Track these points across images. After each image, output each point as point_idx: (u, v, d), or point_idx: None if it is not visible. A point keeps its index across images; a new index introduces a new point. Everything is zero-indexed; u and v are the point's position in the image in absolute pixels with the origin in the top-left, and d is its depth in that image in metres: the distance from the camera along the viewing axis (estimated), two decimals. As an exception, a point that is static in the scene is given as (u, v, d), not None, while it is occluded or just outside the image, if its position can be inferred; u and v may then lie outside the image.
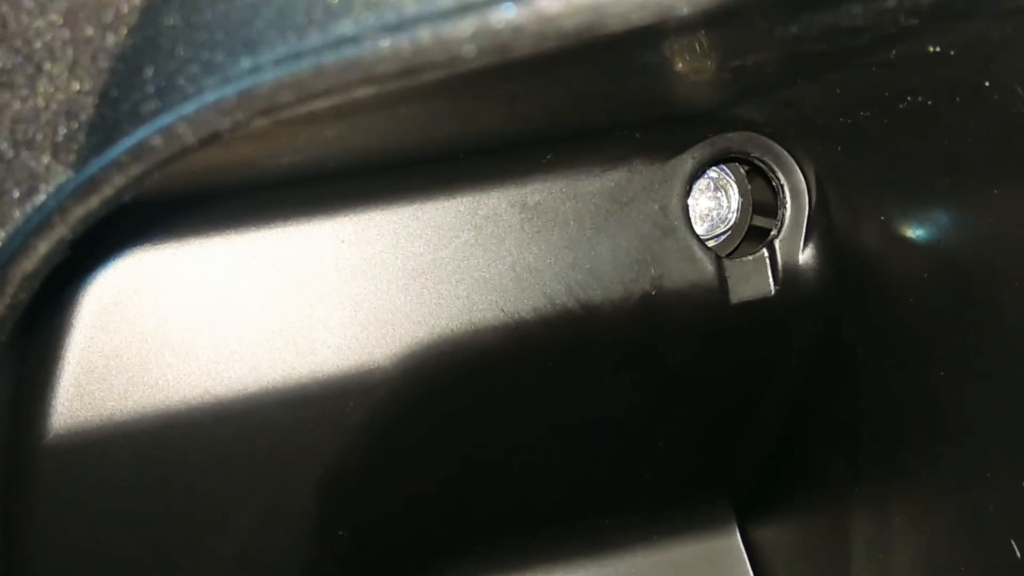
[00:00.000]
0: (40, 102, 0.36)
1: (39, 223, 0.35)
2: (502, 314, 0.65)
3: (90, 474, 0.61)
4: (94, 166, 0.34)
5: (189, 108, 0.33)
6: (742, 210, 0.71)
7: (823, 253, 0.67)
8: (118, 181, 0.34)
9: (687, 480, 0.79)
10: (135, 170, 0.34)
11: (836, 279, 0.66)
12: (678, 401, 0.73)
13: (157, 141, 0.33)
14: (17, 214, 0.37)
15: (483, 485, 0.73)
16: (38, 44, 0.35)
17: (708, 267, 0.67)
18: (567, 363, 0.68)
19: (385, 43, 0.31)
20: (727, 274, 0.67)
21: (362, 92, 0.32)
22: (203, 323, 0.62)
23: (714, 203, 0.72)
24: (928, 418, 0.62)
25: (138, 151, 0.33)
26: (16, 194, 0.37)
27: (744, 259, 0.68)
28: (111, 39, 0.35)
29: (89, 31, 0.35)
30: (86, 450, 0.59)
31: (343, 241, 0.63)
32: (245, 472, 0.64)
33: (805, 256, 0.67)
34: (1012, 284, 0.53)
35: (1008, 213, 0.53)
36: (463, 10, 0.30)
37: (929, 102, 0.54)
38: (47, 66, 0.36)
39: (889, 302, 0.63)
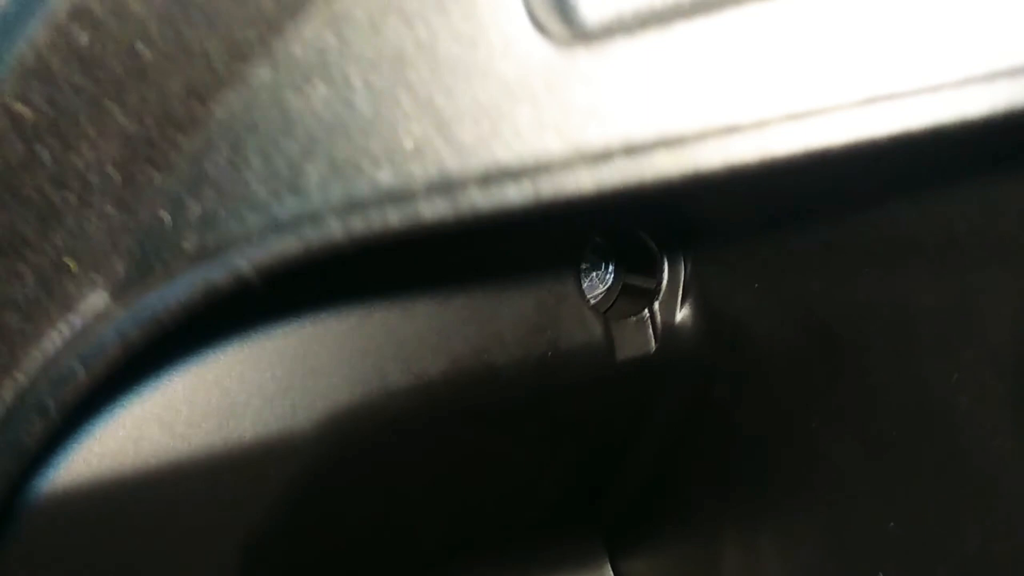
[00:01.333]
0: (91, 231, 0.39)
1: (96, 350, 0.38)
2: (413, 377, 0.69)
3: (18, 536, 0.62)
4: (156, 300, 0.37)
5: (252, 252, 0.37)
6: (618, 271, 0.78)
7: (699, 315, 0.74)
8: (179, 315, 0.38)
9: (565, 519, 0.86)
10: (197, 305, 0.37)
11: (710, 337, 0.74)
12: (564, 448, 0.79)
13: (223, 280, 0.37)
14: (56, 336, 0.40)
15: (391, 533, 0.78)
16: (93, 178, 0.38)
17: (597, 329, 0.73)
18: (470, 420, 0.73)
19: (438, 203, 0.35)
20: (613, 334, 0.74)
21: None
22: (127, 392, 0.64)
23: (592, 264, 0.78)
24: (796, 462, 0.70)
25: (204, 288, 0.37)
26: (57, 319, 0.40)
27: (628, 321, 0.75)
28: (158, 177, 0.39)
29: (139, 168, 0.39)
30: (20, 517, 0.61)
31: (265, 310, 0.66)
32: (172, 532, 0.67)
33: (682, 317, 0.75)
34: (879, 350, 0.62)
35: (876, 289, 0.61)
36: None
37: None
38: (97, 199, 0.39)
39: (761, 362, 0.71)
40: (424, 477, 0.75)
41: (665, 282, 0.75)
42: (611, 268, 0.77)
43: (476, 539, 0.84)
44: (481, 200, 0.35)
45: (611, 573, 0.88)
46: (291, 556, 0.72)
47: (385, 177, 0.36)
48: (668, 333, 0.75)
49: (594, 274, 0.78)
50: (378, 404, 0.69)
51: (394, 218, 0.36)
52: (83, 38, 0.36)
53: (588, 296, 0.77)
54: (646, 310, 0.75)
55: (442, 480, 0.77)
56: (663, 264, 0.75)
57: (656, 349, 0.75)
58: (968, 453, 0.58)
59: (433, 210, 0.36)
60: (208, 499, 0.66)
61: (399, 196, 0.36)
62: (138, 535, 0.66)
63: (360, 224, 0.36)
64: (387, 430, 0.69)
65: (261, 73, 0.37)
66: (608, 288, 0.78)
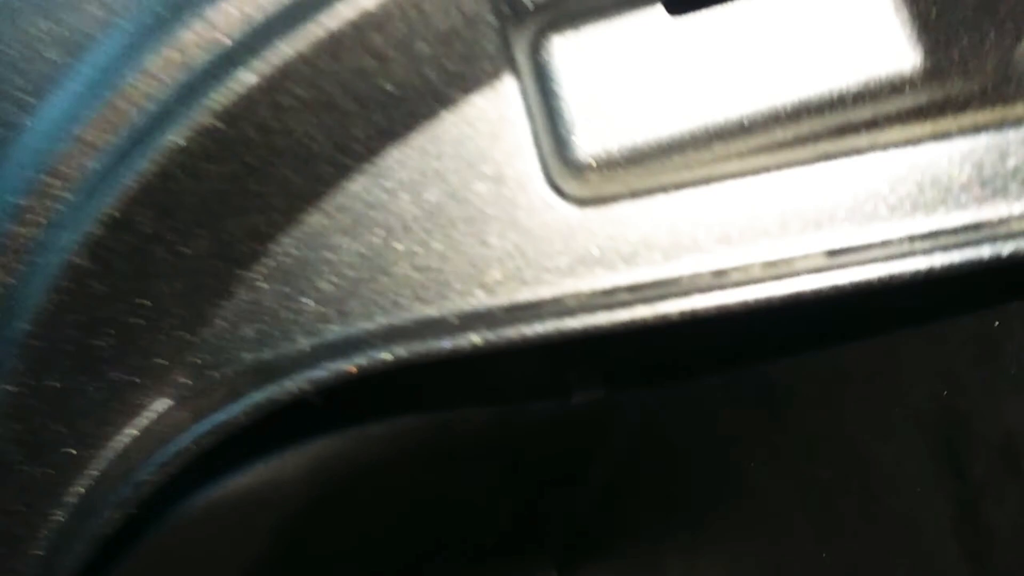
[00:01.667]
0: (159, 349, 0.45)
1: (171, 454, 0.44)
2: (391, 427, 0.76)
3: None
4: (224, 413, 0.44)
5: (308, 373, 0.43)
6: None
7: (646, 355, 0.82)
8: (242, 425, 0.44)
9: (517, 542, 0.93)
10: (257, 416, 0.44)
11: (657, 377, 0.82)
12: (523, 482, 0.86)
13: (285, 397, 0.43)
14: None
15: (359, 568, 0.84)
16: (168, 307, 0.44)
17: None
18: (437, 461, 0.80)
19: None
20: (567, 378, 0.81)
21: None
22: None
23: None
24: (736, 496, 0.78)
25: (268, 403, 0.43)
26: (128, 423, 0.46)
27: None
28: (221, 306, 0.45)
29: (205, 298, 0.45)
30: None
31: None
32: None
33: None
34: (814, 401, 0.70)
35: (815, 348, 0.69)
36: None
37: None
38: (170, 321, 0.45)
39: (703, 400, 0.79)
40: (395, 510, 0.82)
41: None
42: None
43: (437, 562, 0.90)
44: (507, 333, 0.42)
45: (560, 591, 0.95)
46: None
47: (425, 310, 0.43)
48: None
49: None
50: (357, 451, 0.75)
51: (434, 347, 0.42)
52: (161, 194, 0.41)
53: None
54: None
55: (410, 512, 0.83)
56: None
57: (605, 392, 0.82)
58: (891, 496, 0.66)
59: (466, 341, 0.42)
60: (205, 545, 0.72)
61: (436, 327, 0.43)
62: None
63: (396, 352, 0.43)
64: (364, 473, 0.76)
65: (315, 220, 0.43)
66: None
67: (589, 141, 0.42)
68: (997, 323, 0.58)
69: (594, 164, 0.42)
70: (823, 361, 0.68)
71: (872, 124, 0.43)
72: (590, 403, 0.82)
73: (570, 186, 0.42)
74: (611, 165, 0.42)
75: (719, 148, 0.42)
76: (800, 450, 0.71)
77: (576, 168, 0.42)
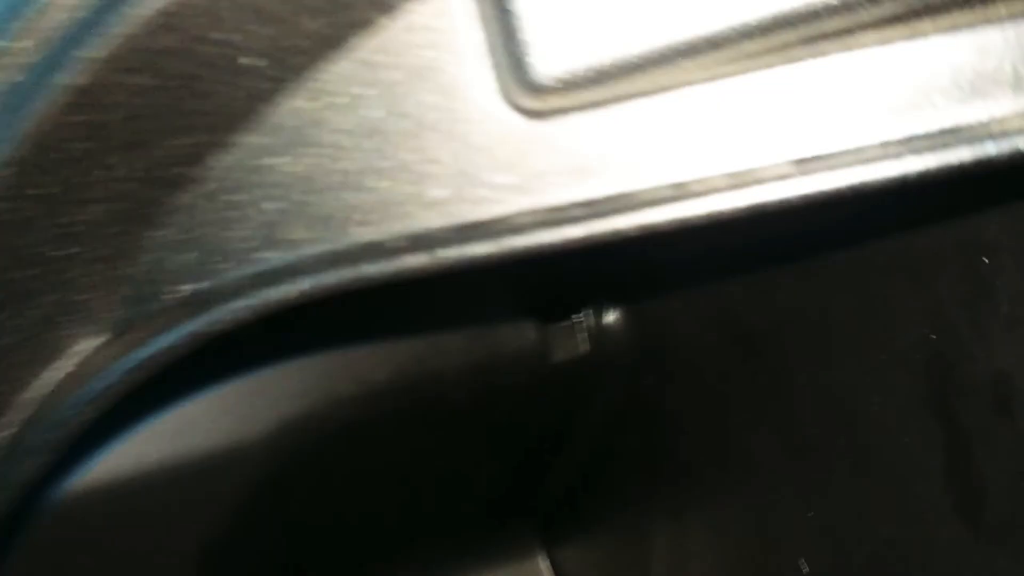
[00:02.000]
0: (89, 283, 0.42)
1: (96, 391, 0.41)
2: (359, 386, 0.73)
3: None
4: (152, 346, 0.41)
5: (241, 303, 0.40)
6: (550, 278, 0.82)
7: (627, 318, 0.79)
8: (171, 359, 0.41)
9: (501, 512, 0.90)
10: (187, 349, 0.41)
11: (638, 339, 0.79)
12: (502, 447, 0.83)
13: (215, 329, 0.40)
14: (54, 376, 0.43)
15: (347, 535, 0.82)
16: (92, 235, 0.41)
17: (532, 334, 0.77)
18: (415, 424, 0.77)
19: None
20: (547, 339, 0.78)
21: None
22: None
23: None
24: (720, 456, 0.75)
25: (192, 337, 0.40)
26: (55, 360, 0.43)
27: (561, 325, 0.79)
28: (154, 233, 0.42)
29: (133, 226, 0.42)
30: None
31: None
32: (128, 546, 0.70)
33: (611, 320, 0.79)
34: (798, 352, 0.67)
35: (794, 296, 0.67)
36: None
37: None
38: (98, 251, 0.42)
39: (686, 361, 0.76)
40: (369, 478, 0.79)
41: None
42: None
43: (416, 534, 0.88)
44: (453, 254, 0.39)
45: (544, 563, 0.92)
46: (245, 563, 0.76)
47: (366, 233, 0.40)
48: (598, 336, 0.79)
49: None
50: (326, 413, 0.72)
51: (372, 271, 0.40)
52: (83, 113, 0.39)
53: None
54: (579, 315, 0.80)
55: (385, 480, 0.80)
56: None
57: (587, 351, 0.79)
58: (879, 449, 0.64)
59: (409, 263, 0.39)
60: (163, 512, 0.69)
61: (378, 251, 0.40)
62: (94, 552, 0.68)
63: (337, 277, 0.40)
64: (335, 437, 0.73)
65: (250, 140, 0.40)
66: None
67: (547, 58, 0.39)
68: (987, 260, 0.55)
69: (552, 82, 0.39)
70: (805, 309, 0.66)
71: (846, 32, 0.40)
72: (571, 362, 0.79)
73: (525, 100, 0.39)
74: (570, 83, 0.39)
75: (686, 64, 0.39)
76: (785, 405, 0.69)
77: (533, 85, 0.39)
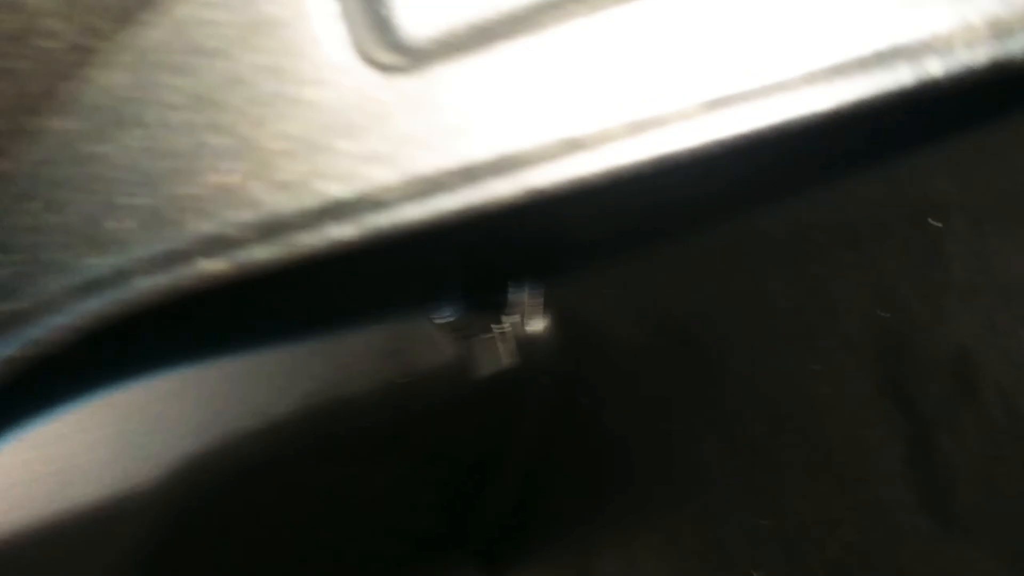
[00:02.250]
0: None
1: None
2: (260, 419, 0.66)
3: None
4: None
5: (53, 320, 0.34)
6: (468, 291, 0.76)
7: (556, 323, 0.72)
8: None
9: (437, 545, 0.83)
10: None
11: (569, 346, 0.72)
12: (428, 476, 0.76)
13: (20, 353, 0.33)
14: None
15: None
16: None
17: (450, 349, 0.71)
18: (324, 457, 0.70)
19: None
20: (468, 353, 0.72)
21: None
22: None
23: (443, 285, 0.76)
24: (665, 465, 0.68)
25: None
26: None
27: (483, 337, 0.72)
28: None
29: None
30: None
31: (94, 368, 0.62)
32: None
33: (539, 327, 0.73)
34: (739, 346, 0.61)
35: (730, 285, 0.61)
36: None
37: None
38: None
39: (620, 366, 0.70)
40: (284, 520, 0.72)
41: (519, 292, 0.73)
42: (462, 287, 0.75)
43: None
44: (310, 240, 0.32)
45: (487, 595, 0.86)
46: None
47: (204, 225, 0.33)
48: (525, 346, 0.73)
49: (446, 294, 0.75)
50: (225, 451, 0.65)
51: (216, 267, 0.33)
52: None
53: (440, 318, 0.74)
54: (501, 324, 0.73)
55: (303, 521, 0.73)
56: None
57: (514, 363, 0.73)
58: (834, 444, 0.58)
59: (258, 255, 0.33)
60: (59, 565, 0.62)
61: (220, 244, 0.33)
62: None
63: (174, 279, 0.33)
64: (237, 476, 0.66)
65: (61, 124, 0.33)
66: (461, 307, 0.75)
67: (412, 15, 0.33)
68: (936, 223, 0.49)
69: (414, 31, 0.33)
70: (741, 296, 0.60)
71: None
72: (495, 377, 0.72)
73: (382, 54, 0.33)
74: (436, 31, 0.33)
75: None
76: (731, 404, 0.62)
77: (391, 35, 0.33)
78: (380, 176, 0.33)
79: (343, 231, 0.32)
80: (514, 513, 0.81)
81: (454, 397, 0.72)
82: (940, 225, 0.49)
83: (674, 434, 0.68)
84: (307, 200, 0.33)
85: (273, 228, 0.33)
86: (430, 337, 0.70)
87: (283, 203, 0.33)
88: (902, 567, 0.55)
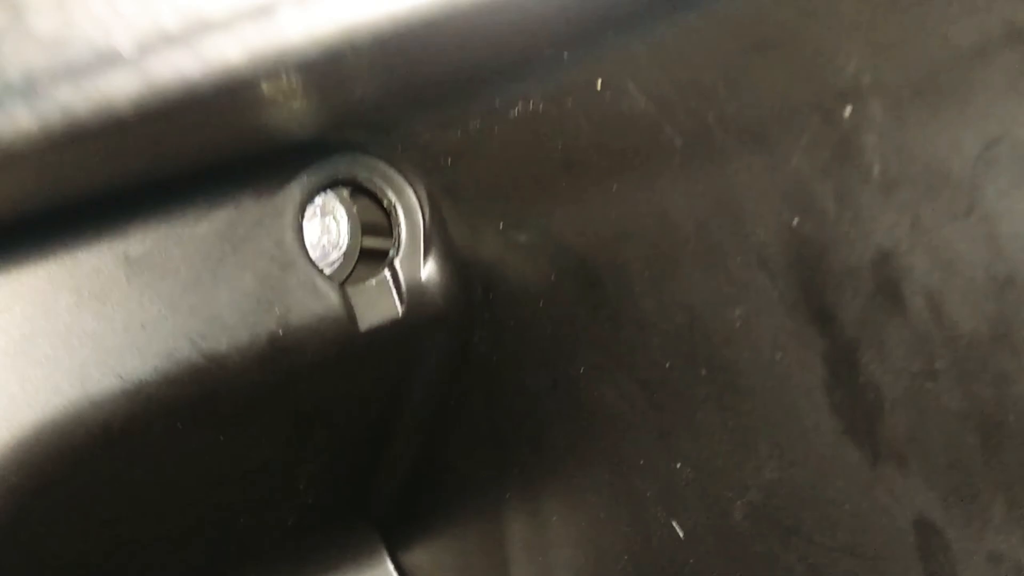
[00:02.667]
0: None
1: None
2: (120, 380, 0.59)
3: None
4: None
5: None
6: (352, 233, 0.69)
7: (445, 268, 0.66)
8: None
9: (332, 516, 0.76)
10: None
11: (462, 292, 0.66)
12: (316, 438, 0.70)
13: None
14: None
15: (119, 564, 0.67)
16: None
17: (332, 297, 0.64)
18: (197, 420, 0.63)
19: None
20: (352, 301, 0.65)
21: None
22: None
23: (322, 229, 0.69)
24: (572, 413, 0.63)
25: None
26: None
27: (367, 283, 0.66)
28: None
29: None
30: None
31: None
32: None
33: (427, 273, 0.66)
34: (641, 274, 0.55)
35: (628, 206, 0.55)
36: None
37: (542, 106, 0.54)
38: None
39: (518, 307, 0.63)
40: (157, 490, 0.65)
41: (404, 236, 0.66)
42: (340, 229, 0.68)
43: (233, 552, 0.73)
44: (74, 99, 0.26)
45: (391, 568, 0.79)
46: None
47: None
48: (414, 293, 0.66)
49: (322, 239, 0.68)
50: (81, 416, 0.58)
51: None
52: None
53: (320, 265, 0.67)
54: (386, 271, 0.67)
55: (180, 491, 0.66)
56: (399, 215, 0.66)
57: (403, 313, 0.66)
58: (748, 374, 0.52)
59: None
60: None
61: None
62: None
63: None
64: (96, 445, 0.59)
65: None
66: (341, 252, 0.69)
67: None
68: (848, 110, 0.43)
69: None
70: (641, 218, 0.54)
71: None
72: (384, 328, 0.66)
73: None
74: None
75: None
76: (635, 340, 0.56)
77: None
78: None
79: (109, 85, 0.25)
80: (414, 476, 0.74)
81: (339, 352, 0.65)
82: (851, 113, 0.43)
83: (580, 380, 0.62)
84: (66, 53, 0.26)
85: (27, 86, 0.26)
86: (310, 285, 0.63)
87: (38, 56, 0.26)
88: (829, 504, 0.50)
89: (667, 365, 0.56)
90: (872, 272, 0.45)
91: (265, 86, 0.42)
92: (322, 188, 0.65)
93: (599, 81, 0.50)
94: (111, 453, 0.60)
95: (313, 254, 0.67)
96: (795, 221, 0.47)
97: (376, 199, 0.67)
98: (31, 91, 0.26)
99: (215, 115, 0.46)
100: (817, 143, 0.45)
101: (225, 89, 0.30)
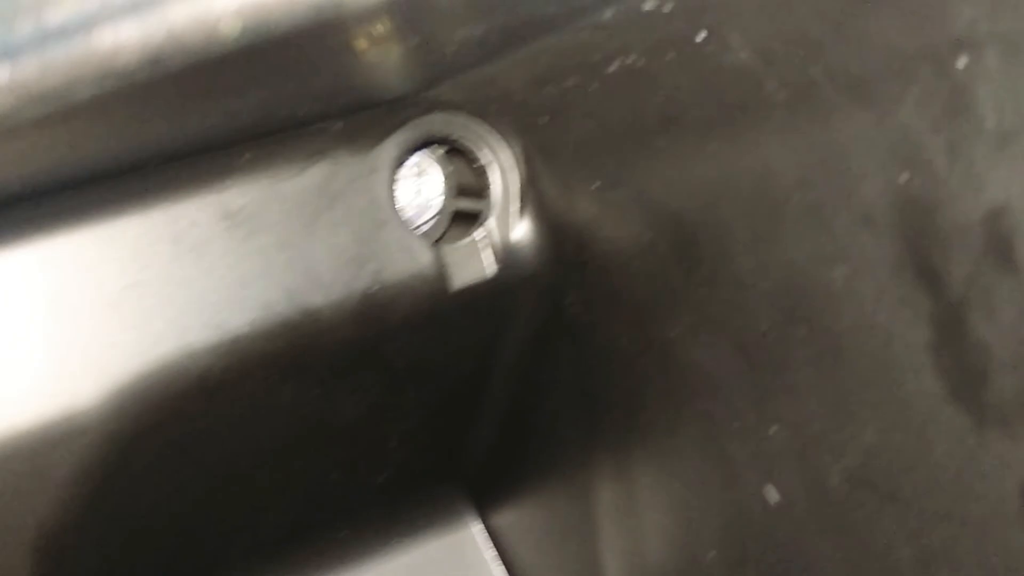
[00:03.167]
0: None
1: None
2: (217, 332, 0.60)
3: None
4: None
5: None
6: (446, 194, 0.69)
7: (538, 228, 0.66)
8: None
9: (422, 476, 0.77)
10: None
11: (554, 253, 0.66)
12: (407, 397, 0.70)
13: None
14: None
15: (213, 516, 0.68)
16: None
17: (425, 256, 0.64)
18: (290, 374, 0.63)
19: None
20: (445, 261, 0.65)
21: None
22: None
23: (416, 190, 0.69)
24: (665, 376, 0.62)
25: None
26: None
27: (460, 244, 0.66)
28: None
29: None
30: None
31: (28, 274, 0.56)
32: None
33: (520, 233, 0.66)
34: (740, 234, 0.54)
35: (728, 164, 0.54)
36: None
37: (641, 62, 0.53)
38: None
39: (611, 268, 0.63)
40: (248, 446, 0.65)
41: (497, 196, 0.66)
42: (434, 189, 0.68)
43: (323, 509, 0.74)
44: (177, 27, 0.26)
45: (479, 530, 0.79)
46: (93, 557, 0.62)
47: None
48: (506, 253, 0.66)
49: (417, 199, 0.68)
50: (177, 367, 0.59)
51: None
52: None
53: (414, 225, 0.67)
54: (479, 231, 0.66)
55: (273, 445, 0.67)
56: (493, 175, 0.66)
57: (495, 273, 0.66)
58: (850, 336, 0.51)
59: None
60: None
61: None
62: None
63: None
64: (192, 395, 0.59)
65: None
66: (435, 212, 0.69)
67: None
68: (962, 62, 0.42)
69: None
70: (740, 176, 0.53)
71: None
72: (476, 288, 0.65)
73: None
74: None
75: None
76: (732, 301, 0.56)
77: None
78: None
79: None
80: (504, 438, 0.74)
81: (431, 310, 0.65)
82: (966, 64, 0.41)
83: (675, 341, 0.61)
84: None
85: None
86: (404, 244, 0.63)
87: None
88: (930, 469, 0.48)
89: (764, 327, 0.55)
90: (983, 229, 0.44)
91: (358, 28, 0.42)
92: (417, 146, 0.65)
93: (702, 33, 0.49)
94: (207, 405, 0.61)
95: (407, 214, 0.67)
96: (903, 177, 0.46)
97: (470, 159, 0.67)
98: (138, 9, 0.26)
99: (309, 59, 0.46)
100: (928, 96, 0.44)
101: (318, 31, 0.29)
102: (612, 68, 0.54)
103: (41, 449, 0.56)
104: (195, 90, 0.42)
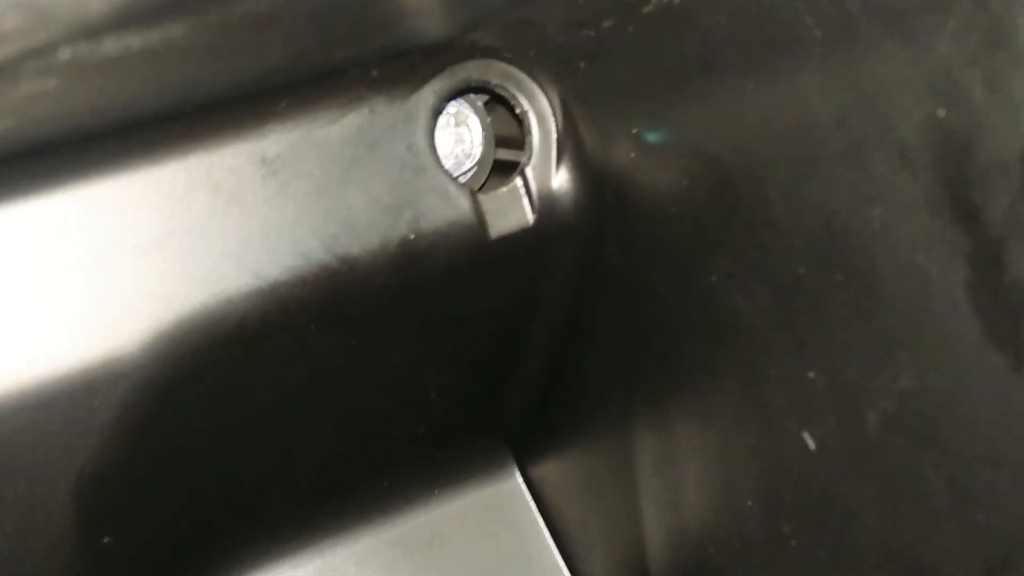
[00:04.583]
0: None
1: None
2: (255, 279, 0.60)
3: None
4: None
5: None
6: (485, 143, 0.69)
7: (577, 176, 0.65)
8: None
9: (462, 428, 0.77)
10: None
11: (593, 200, 0.65)
12: (445, 347, 0.70)
13: None
14: None
15: (252, 464, 0.68)
16: None
17: (464, 204, 0.64)
18: (329, 322, 0.64)
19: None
20: (483, 209, 0.65)
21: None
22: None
23: (456, 139, 0.69)
24: (703, 323, 0.61)
25: None
26: None
27: (499, 191, 0.66)
28: None
29: None
30: None
31: (68, 220, 0.56)
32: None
33: (559, 181, 0.66)
34: (777, 176, 0.53)
35: (765, 104, 0.53)
36: None
37: (677, 1, 0.52)
38: None
39: (649, 215, 0.62)
40: (287, 394, 0.66)
41: (536, 144, 0.66)
42: (473, 139, 0.68)
43: (363, 459, 0.74)
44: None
45: (520, 480, 0.79)
46: (134, 503, 0.63)
47: None
48: (545, 201, 0.66)
49: (456, 148, 0.68)
50: (215, 313, 0.59)
51: None
52: None
53: (453, 175, 0.67)
54: (518, 179, 0.66)
55: (311, 394, 0.67)
56: (531, 123, 0.65)
57: (534, 221, 0.66)
58: (887, 277, 0.50)
59: None
60: (27, 442, 0.57)
61: None
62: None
63: None
64: (231, 342, 0.60)
65: None
66: (474, 162, 0.68)
67: None
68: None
69: None
70: (777, 117, 0.52)
71: None
72: (515, 236, 0.65)
73: None
74: None
75: None
76: (768, 243, 0.55)
77: None
78: None
79: None
80: (543, 389, 0.74)
81: (470, 259, 0.65)
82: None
83: (712, 288, 0.60)
84: None
85: None
86: (441, 191, 0.63)
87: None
88: (969, 411, 0.48)
89: (802, 271, 0.54)
90: (1022, 165, 0.43)
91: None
92: (455, 94, 0.65)
93: (737, -29, 0.49)
94: (246, 352, 0.61)
95: (447, 164, 0.67)
96: (941, 112, 0.45)
97: (509, 106, 0.67)
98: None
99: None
100: (966, 28, 0.43)
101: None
102: (648, 8, 0.54)
103: (81, 394, 0.57)
104: (230, 32, 0.42)
